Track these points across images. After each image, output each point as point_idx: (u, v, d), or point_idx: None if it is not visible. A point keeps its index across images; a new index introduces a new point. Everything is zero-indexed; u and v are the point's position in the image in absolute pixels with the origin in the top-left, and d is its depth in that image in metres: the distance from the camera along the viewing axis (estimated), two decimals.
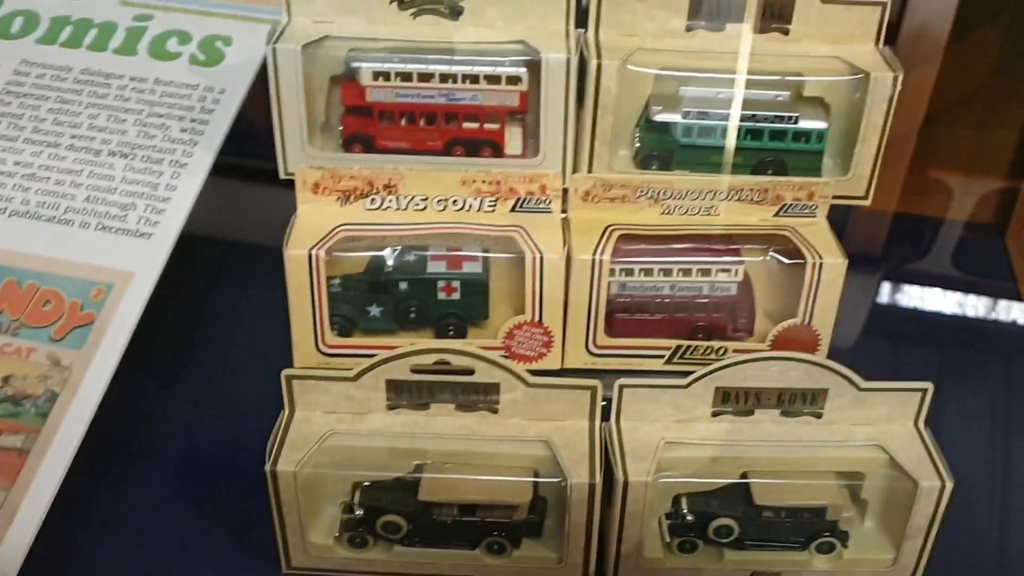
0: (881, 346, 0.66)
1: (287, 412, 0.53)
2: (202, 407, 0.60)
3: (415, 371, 0.52)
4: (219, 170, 0.63)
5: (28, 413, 0.55)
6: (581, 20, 0.58)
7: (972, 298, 0.73)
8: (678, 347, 0.58)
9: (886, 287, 0.74)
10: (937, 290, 0.74)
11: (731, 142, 0.56)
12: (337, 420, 0.53)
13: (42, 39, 0.70)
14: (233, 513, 0.56)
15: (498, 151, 0.59)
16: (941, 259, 0.77)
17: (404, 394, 0.53)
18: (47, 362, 0.56)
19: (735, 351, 0.58)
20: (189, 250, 0.60)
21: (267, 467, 0.50)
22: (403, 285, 0.56)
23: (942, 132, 0.81)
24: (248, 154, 0.65)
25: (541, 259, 0.55)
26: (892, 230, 0.79)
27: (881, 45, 0.57)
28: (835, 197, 0.57)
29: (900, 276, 0.76)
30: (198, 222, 0.61)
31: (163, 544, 0.55)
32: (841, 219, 0.60)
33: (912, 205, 0.81)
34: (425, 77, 0.57)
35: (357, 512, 0.53)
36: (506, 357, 0.58)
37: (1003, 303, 0.73)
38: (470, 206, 0.58)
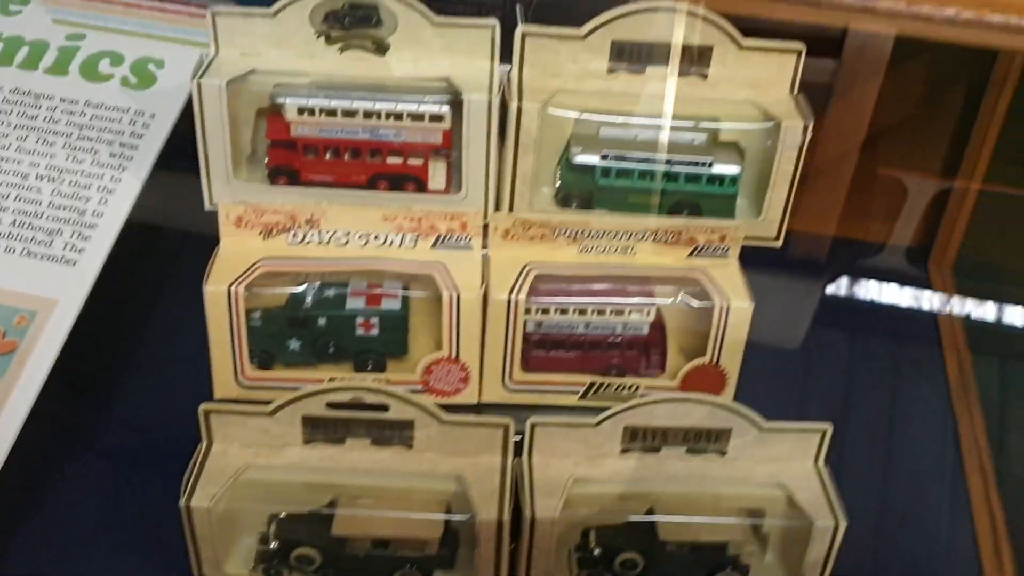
0: (792, 379, 0.68)
1: (204, 444, 0.54)
2: (124, 436, 0.61)
3: (331, 406, 0.53)
4: (147, 194, 0.63)
5: None
6: (507, 55, 0.59)
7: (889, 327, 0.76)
8: (592, 383, 0.59)
9: (808, 311, 0.76)
10: (858, 317, 0.76)
11: (648, 185, 0.58)
12: (254, 454, 0.54)
13: None
14: (153, 541, 0.57)
15: (422, 186, 0.59)
16: (866, 285, 0.80)
17: (320, 429, 0.54)
18: None
19: (647, 388, 0.59)
20: (115, 276, 0.61)
21: (181, 502, 0.51)
22: (322, 321, 0.57)
23: (876, 156, 0.83)
24: (178, 178, 0.65)
25: (458, 298, 0.56)
26: (822, 255, 0.82)
27: (795, 91, 0.59)
28: (747, 238, 0.59)
29: (825, 301, 0.78)
30: (125, 247, 0.62)
31: (83, 571, 0.56)
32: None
33: (848, 228, 0.84)
34: (349, 113, 0.57)
35: (272, 544, 0.54)
36: (424, 391, 0.59)
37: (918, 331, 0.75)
38: (392, 242, 0.59)
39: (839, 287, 0.79)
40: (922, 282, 0.80)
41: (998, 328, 0.78)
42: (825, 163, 0.78)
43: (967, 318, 0.77)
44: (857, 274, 0.81)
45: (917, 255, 0.83)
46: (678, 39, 0.56)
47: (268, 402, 0.53)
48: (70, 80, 0.68)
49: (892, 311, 0.78)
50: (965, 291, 0.79)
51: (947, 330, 0.76)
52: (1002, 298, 0.79)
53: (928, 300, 0.79)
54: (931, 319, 0.77)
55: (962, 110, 0.81)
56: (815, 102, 0.59)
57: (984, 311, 0.78)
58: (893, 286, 0.79)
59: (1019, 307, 0.79)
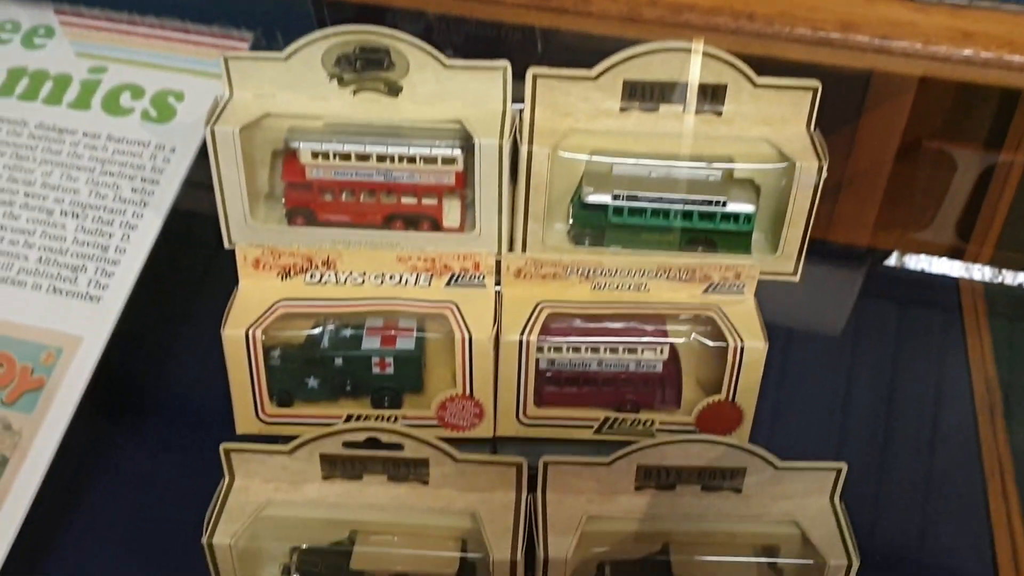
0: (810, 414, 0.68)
1: (227, 481, 0.55)
2: (150, 468, 0.62)
3: (347, 445, 0.54)
4: (169, 229, 0.65)
5: None
6: (520, 91, 0.59)
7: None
8: (606, 419, 0.60)
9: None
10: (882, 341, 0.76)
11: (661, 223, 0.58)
12: (274, 489, 0.56)
13: (0, 91, 0.71)
14: (181, 574, 0.58)
15: (436, 225, 0.60)
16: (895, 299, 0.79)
17: (338, 467, 0.55)
18: None
19: (663, 423, 0.60)
20: (137, 312, 0.62)
21: (204, 539, 0.53)
22: (338, 361, 0.58)
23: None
24: (198, 213, 0.66)
25: (470, 339, 0.57)
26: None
27: (812, 128, 0.58)
28: (764, 274, 0.59)
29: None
30: (147, 283, 0.63)
31: None
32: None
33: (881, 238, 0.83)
34: (363, 157, 0.58)
35: None
36: (439, 426, 0.60)
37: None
38: (406, 281, 0.60)
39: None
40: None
41: None
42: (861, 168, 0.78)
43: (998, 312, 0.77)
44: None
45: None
46: (693, 77, 0.56)
47: (287, 440, 0.55)
48: (92, 114, 0.69)
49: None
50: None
51: (972, 322, 0.76)
52: None
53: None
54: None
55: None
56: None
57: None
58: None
59: None
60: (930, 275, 0.81)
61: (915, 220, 0.83)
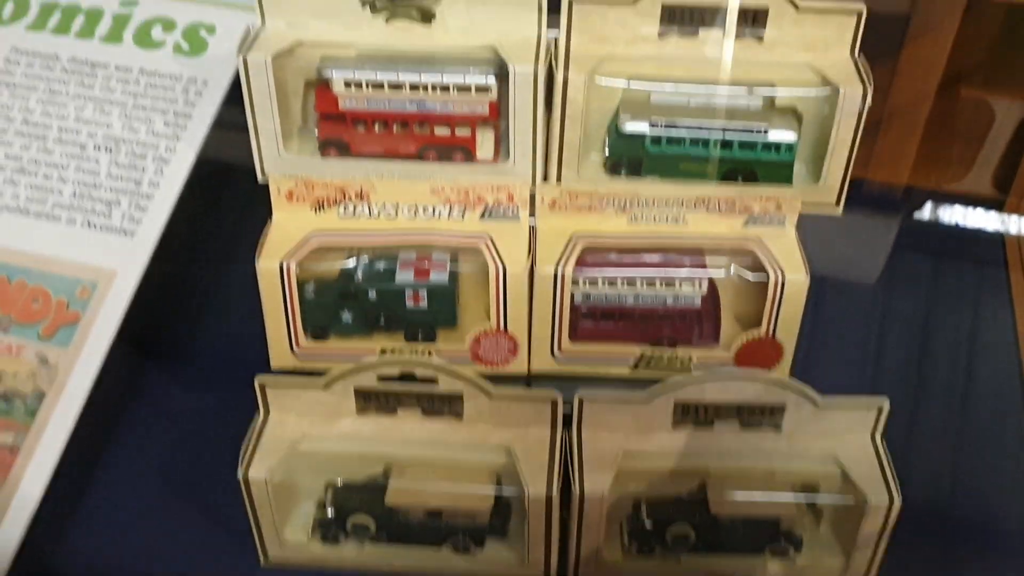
0: (851, 350, 0.66)
1: (261, 415, 0.55)
2: (185, 403, 0.63)
3: (382, 379, 0.54)
4: (201, 163, 0.64)
5: (18, 411, 0.58)
6: (555, 19, 0.58)
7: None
8: (643, 354, 0.59)
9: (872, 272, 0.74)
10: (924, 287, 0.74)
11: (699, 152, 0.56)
12: (309, 424, 0.55)
13: (32, 25, 0.70)
14: (217, 507, 0.58)
15: (470, 156, 0.59)
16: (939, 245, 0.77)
17: (372, 401, 0.55)
18: (35, 360, 0.59)
19: (701, 359, 0.59)
20: (171, 245, 0.62)
21: (240, 472, 0.53)
22: (372, 295, 0.58)
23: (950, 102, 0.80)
24: (231, 146, 0.66)
25: (504, 272, 0.56)
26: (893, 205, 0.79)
27: (856, 54, 0.56)
28: (806, 204, 0.57)
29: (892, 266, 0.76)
30: (180, 218, 0.62)
31: (148, 537, 0.58)
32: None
33: (919, 178, 0.81)
34: (396, 86, 0.57)
35: (329, 512, 0.56)
36: (474, 361, 0.59)
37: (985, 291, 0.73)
38: (440, 214, 0.59)
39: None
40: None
41: None
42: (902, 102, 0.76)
43: None
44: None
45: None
46: (732, 1, 0.54)
47: (321, 374, 0.54)
48: (124, 48, 0.69)
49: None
50: None
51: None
52: None
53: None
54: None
55: None
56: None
57: None
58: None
59: None
60: (970, 220, 0.79)
61: (954, 163, 0.81)
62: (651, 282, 0.57)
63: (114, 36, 0.69)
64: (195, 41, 0.69)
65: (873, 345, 0.67)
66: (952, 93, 0.80)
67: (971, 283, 0.73)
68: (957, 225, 0.78)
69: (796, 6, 0.55)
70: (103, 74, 0.68)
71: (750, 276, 0.56)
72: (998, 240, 0.76)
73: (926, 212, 0.79)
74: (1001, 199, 0.79)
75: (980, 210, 0.78)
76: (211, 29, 0.69)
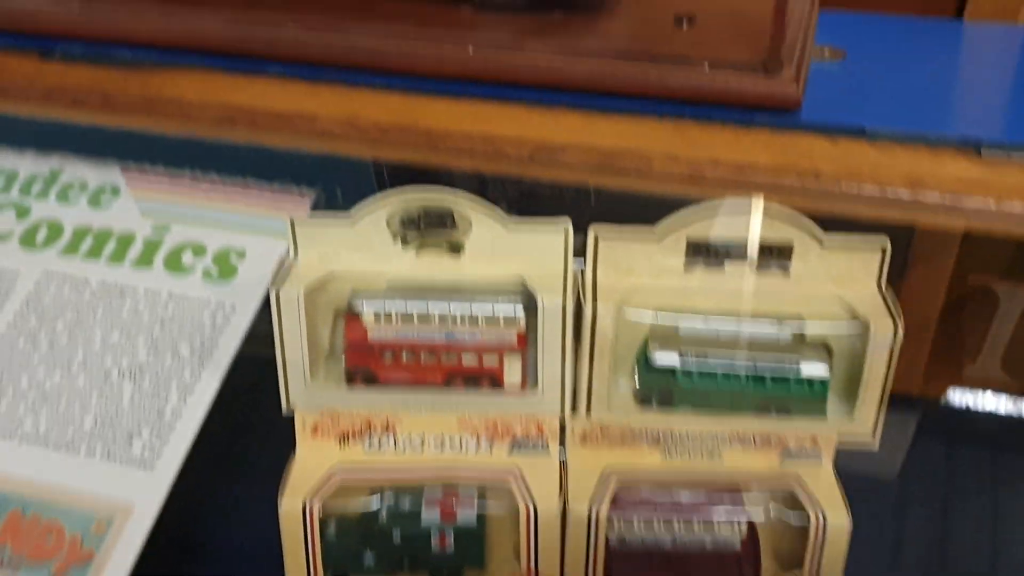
0: None
1: None
2: None
3: None
4: (225, 392, 0.64)
5: None
6: (577, 245, 0.59)
7: None
8: None
9: None
10: None
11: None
12: None
13: (65, 249, 0.72)
14: None
15: (497, 383, 0.58)
16: None
17: None
18: None
19: None
20: (190, 479, 0.60)
21: None
22: (396, 536, 0.56)
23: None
24: (255, 373, 0.66)
25: (535, 512, 0.54)
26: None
27: (883, 287, 0.57)
28: (841, 439, 0.56)
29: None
30: (202, 446, 0.61)
31: None
32: None
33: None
34: (425, 319, 0.57)
35: None
36: None
37: None
38: (467, 446, 0.58)
39: None
40: None
41: None
42: None
43: None
44: None
45: None
46: (754, 237, 0.55)
47: None
48: (154, 272, 0.70)
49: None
50: None
51: None
52: None
53: None
54: None
55: None
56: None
57: None
58: None
59: None
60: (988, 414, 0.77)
61: (967, 365, 0.80)
62: (688, 522, 0.55)
63: (144, 260, 0.70)
64: (225, 266, 0.70)
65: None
66: (960, 294, 0.80)
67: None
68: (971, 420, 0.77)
69: (820, 242, 0.55)
70: (132, 298, 0.68)
71: (792, 519, 0.54)
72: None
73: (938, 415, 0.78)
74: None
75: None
76: (241, 254, 0.70)
